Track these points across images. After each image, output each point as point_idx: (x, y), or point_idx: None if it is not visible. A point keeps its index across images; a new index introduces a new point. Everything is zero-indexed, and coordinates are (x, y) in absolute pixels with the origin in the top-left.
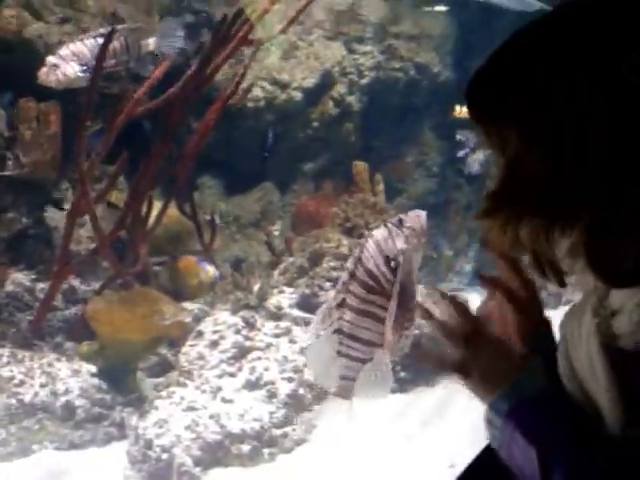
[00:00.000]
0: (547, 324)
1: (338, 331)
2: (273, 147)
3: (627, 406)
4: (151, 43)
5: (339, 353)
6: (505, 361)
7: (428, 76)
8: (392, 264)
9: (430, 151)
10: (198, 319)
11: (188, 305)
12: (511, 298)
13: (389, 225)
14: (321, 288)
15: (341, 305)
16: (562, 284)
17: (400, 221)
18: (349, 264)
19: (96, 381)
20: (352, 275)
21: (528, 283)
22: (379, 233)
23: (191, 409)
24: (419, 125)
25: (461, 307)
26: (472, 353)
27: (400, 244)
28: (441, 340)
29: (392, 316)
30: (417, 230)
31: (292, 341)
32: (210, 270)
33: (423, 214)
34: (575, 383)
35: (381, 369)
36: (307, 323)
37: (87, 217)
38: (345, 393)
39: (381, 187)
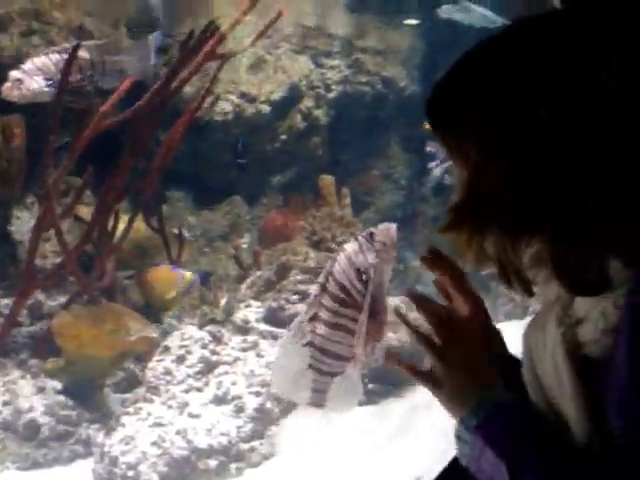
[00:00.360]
0: (498, 335)
1: (310, 344)
2: (245, 155)
3: (593, 414)
4: (118, 60)
5: (311, 366)
6: (475, 375)
7: (395, 90)
8: (363, 277)
9: (397, 164)
10: (165, 334)
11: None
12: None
13: (360, 239)
14: (288, 301)
15: (313, 318)
16: (530, 294)
17: (371, 234)
18: (321, 278)
19: (61, 398)
20: (324, 289)
21: (475, 299)
22: (350, 247)
23: (158, 425)
24: (386, 138)
25: (436, 316)
26: (446, 365)
27: (371, 257)
28: (418, 348)
29: (362, 329)
30: (387, 243)
31: (259, 355)
32: (187, 275)
33: (393, 227)
34: (541, 393)
35: (351, 382)
36: (274, 337)
37: (53, 231)
38: (317, 405)
39: (348, 200)
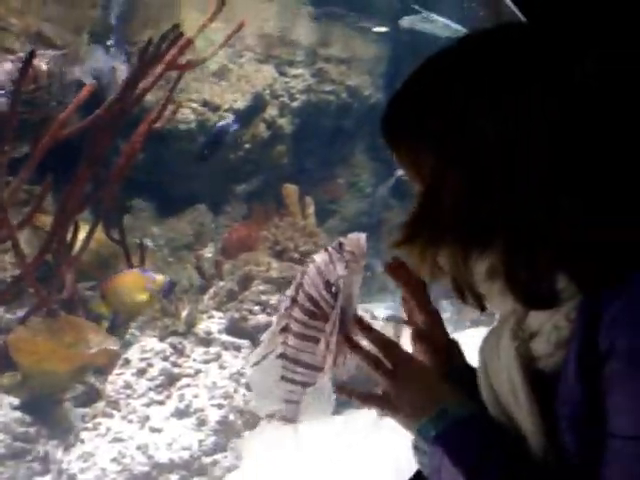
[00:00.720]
0: (455, 347)
1: (282, 356)
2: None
3: (548, 429)
4: (76, 70)
5: (283, 378)
6: (429, 392)
7: (359, 99)
8: (333, 289)
9: (362, 172)
10: (126, 346)
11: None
12: (417, 334)
13: (329, 249)
14: (250, 312)
15: (284, 330)
16: (482, 308)
17: (340, 245)
18: (290, 290)
19: (18, 414)
20: (294, 301)
21: (430, 310)
22: (319, 258)
23: (117, 440)
24: (351, 147)
25: (381, 340)
26: (399, 385)
27: (340, 268)
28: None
29: (332, 340)
30: (357, 253)
31: (222, 367)
32: (158, 278)
33: (363, 237)
34: (498, 407)
35: (323, 392)
36: (237, 348)
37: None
38: (290, 417)
39: (311, 210)
